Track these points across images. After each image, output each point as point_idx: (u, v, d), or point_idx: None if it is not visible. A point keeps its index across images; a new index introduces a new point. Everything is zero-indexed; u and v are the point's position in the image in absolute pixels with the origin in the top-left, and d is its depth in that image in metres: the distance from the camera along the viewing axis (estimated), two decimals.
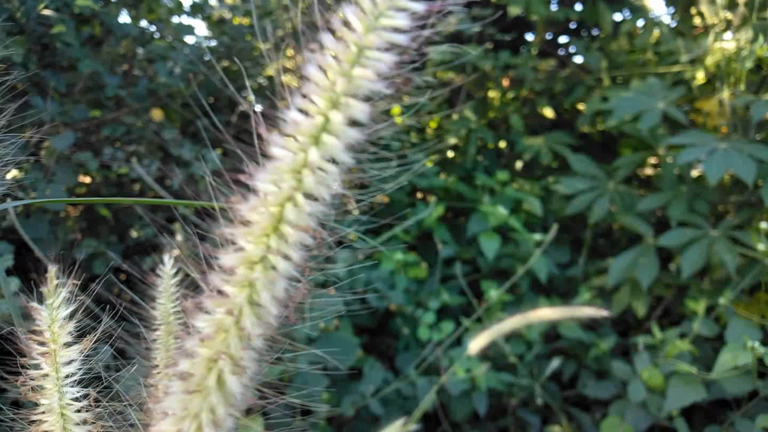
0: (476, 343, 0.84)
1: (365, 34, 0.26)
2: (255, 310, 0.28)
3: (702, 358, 1.41)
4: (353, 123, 0.26)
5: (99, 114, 1.50)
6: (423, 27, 0.26)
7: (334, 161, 0.27)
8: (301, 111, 0.26)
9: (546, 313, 0.79)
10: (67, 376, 0.37)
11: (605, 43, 1.94)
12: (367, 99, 0.26)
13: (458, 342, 1.53)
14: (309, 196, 0.27)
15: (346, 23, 0.26)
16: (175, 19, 1.68)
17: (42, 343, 0.37)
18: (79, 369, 0.38)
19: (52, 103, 1.31)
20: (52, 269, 0.37)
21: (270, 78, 1.47)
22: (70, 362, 0.38)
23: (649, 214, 1.70)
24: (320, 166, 0.26)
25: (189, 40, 1.66)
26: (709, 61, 1.53)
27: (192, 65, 1.50)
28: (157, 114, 1.42)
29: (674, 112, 1.54)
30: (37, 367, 0.37)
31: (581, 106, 2.02)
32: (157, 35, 1.61)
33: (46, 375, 0.37)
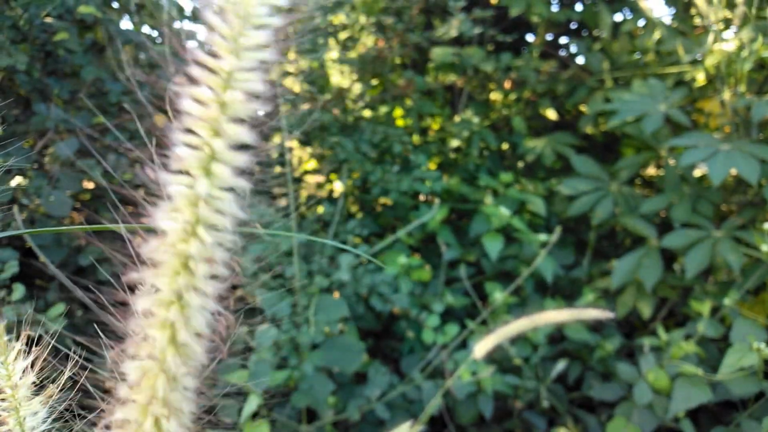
0: (481, 347, 0.84)
1: (230, 58, 0.25)
2: (179, 349, 0.27)
3: (708, 360, 1.40)
4: (239, 147, 0.26)
5: (102, 120, 1.50)
6: (285, 37, 0.26)
7: (229, 188, 0.26)
8: (186, 145, 0.26)
9: (551, 315, 0.79)
10: (32, 429, 0.37)
11: (606, 44, 1.94)
12: (248, 120, 0.26)
13: (463, 345, 1.52)
14: (211, 227, 0.26)
15: (210, 51, 0.26)
16: (177, 25, 1.68)
17: (2, 399, 0.37)
18: (45, 420, 0.37)
19: (55, 110, 1.31)
20: (1, 325, 0.36)
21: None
22: (34, 414, 0.37)
23: (653, 216, 1.69)
24: (215, 195, 0.26)
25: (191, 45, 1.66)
26: (709, 61, 1.53)
27: None
28: (160, 119, 1.42)
29: (676, 114, 1.54)
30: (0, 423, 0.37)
31: (583, 108, 2.01)
32: (159, 41, 1.62)
33: (10, 431, 0.37)
